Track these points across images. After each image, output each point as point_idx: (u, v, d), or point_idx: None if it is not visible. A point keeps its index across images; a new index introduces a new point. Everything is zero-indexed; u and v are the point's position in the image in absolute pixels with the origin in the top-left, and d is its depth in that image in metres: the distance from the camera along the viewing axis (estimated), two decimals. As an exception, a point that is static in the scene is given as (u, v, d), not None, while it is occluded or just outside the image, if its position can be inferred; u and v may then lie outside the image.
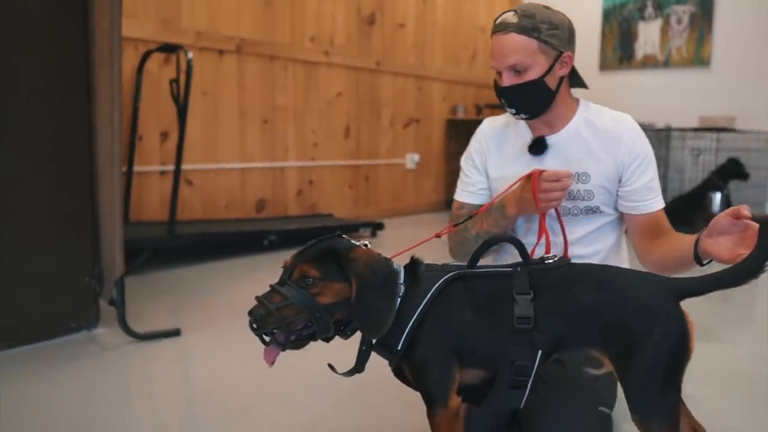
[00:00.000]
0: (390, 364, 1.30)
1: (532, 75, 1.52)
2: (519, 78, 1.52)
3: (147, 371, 2.08)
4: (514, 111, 1.58)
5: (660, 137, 5.54)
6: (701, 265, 1.28)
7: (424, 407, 1.75)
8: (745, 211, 1.16)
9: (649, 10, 5.93)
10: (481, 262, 1.37)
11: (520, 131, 1.69)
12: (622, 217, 1.67)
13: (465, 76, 6.39)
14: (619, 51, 6.08)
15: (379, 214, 5.46)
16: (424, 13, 5.84)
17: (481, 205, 1.73)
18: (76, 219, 2.29)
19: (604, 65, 6.29)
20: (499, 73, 1.55)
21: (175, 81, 3.39)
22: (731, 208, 1.19)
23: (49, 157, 2.21)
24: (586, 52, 6.43)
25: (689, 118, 5.47)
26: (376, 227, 4.72)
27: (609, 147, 1.58)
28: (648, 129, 5.47)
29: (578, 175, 1.58)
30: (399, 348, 1.21)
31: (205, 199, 4.20)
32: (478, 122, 6.67)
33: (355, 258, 1.19)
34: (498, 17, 1.56)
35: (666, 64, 5.88)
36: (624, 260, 1.70)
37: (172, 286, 3.14)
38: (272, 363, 1.19)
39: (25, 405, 1.79)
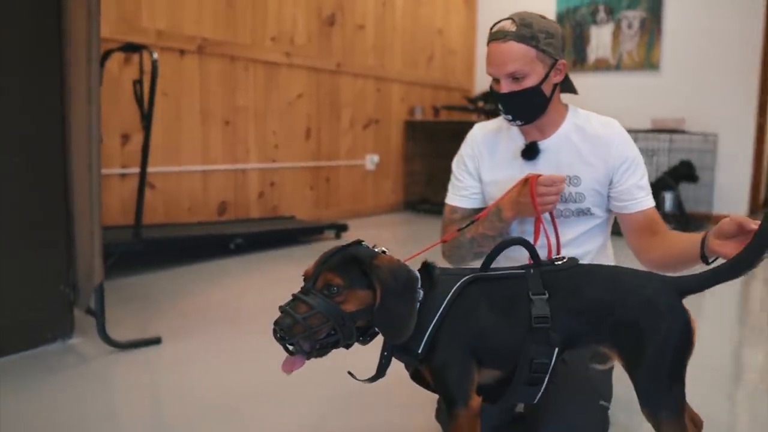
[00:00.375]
0: (407, 368, 1.32)
1: (530, 82, 1.56)
2: (517, 85, 1.57)
3: (131, 381, 2.02)
4: (510, 117, 1.62)
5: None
6: (707, 263, 1.33)
7: (414, 409, 1.78)
8: (753, 225, 1.20)
9: (601, 14, 6.12)
10: (474, 265, 1.41)
11: (512, 136, 1.73)
12: (609, 220, 1.73)
13: (422, 78, 6.45)
14: (573, 54, 6.24)
15: (340, 216, 5.45)
16: (383, 15, 5.87)
17: (474, 209, 1.78)
18: (49, 223, 2.20)
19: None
20: (497, 80, 1.59)
21: (138, 82, 3.30)
22: (738, 218, 1.24)
23: (21, 159, 2.12)
24: None
25: (641, 119, 5.68)
26: (340, 229, 4.71)
27: (599, 151, 1.64)
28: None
29: (570, 179, 1.63)
30: (420, 351, 1.23)
31: (167, 202, 4.11)
32: (436, 124, 6.82)
33: (379, 265, 1.20)
34: (494, 25, 1.60)
35: (618, 67, 6.09)
36: (610, 261, 1.76)
37: (143, 293, 3.06)
38: (291, 372, 1.19)
39: (3, 420, 1.71)
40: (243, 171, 4.63)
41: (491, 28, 1.60)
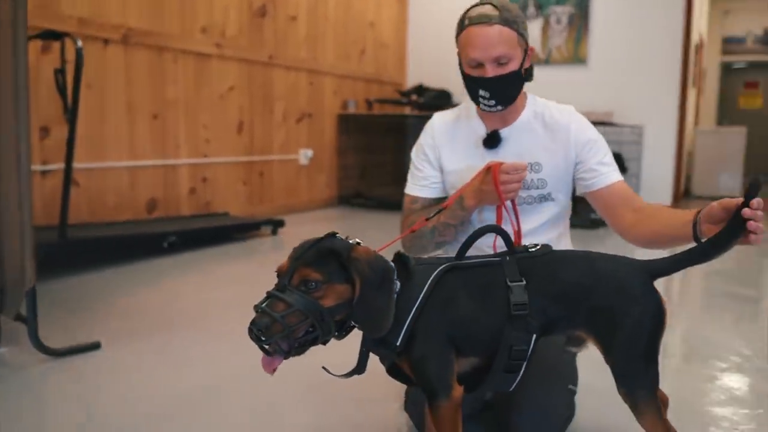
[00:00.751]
0: (383, 362, 1.29)
1: (512, 66, 1.56)
2: (502, 69, 1.55)
3: (70, 391, 1.88)
4: (493, 102, 1.60)
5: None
6: (699, 243, 1.29)
7: (375, 405, 1.76)
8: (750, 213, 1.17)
9: (531, 9, 6.27)
10: (438, 255, 1.39)
11: (472, 125, 1.73)
12: (568, 210, 1.76)
13: (355, 72, 6.40)
14: None
15: (274, 212, 5.34)
16: (315, 6, 5.78)
17: (434, 198, 1.77)
18: (-30, 225, 2.02)
19: None
20: (477, 65, 1.57)
21: (60, 71, 3.10)
22: (725, 203, 1.23)
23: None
24: None
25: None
26: (276, 225, 4.61)
27: (558, 137, 1.66)
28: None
29: (531, 165, 1.64)
30: (398, 344, 1.20)
31: (92, 200, 3.88)
32: (369, 117, 6.80)
33: (357, 257, 1.17)
34: (472, 10, 1.57)
35: (547, 61, 6.25)
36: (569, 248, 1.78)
37: (74, 296, 2.87)
38: (272, 372, 1.14)
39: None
40: (173, 166, 4.44)
41: (466, 14, 1.58)
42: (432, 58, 6.94)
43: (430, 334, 1.22)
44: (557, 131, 1.66)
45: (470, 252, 1.35)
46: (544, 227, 1.69)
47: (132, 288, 3.06)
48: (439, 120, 1.80)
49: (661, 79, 5.90)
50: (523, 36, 1.57)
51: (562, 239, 1.74)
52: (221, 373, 2.02)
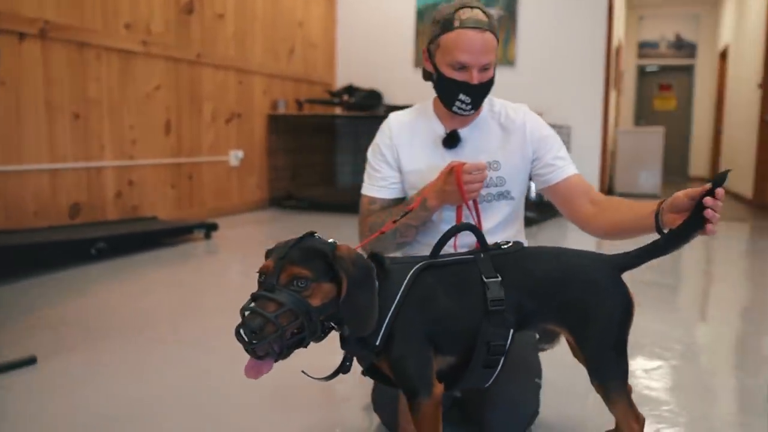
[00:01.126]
0: (361, 363, 1.26)
1: (491, 73, 1.60)
2: (485, 75, 1.57)
3: (9, 411, 1.73)
4: (471, 107, 1.61)
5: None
6: (662, 234, 1.31)
7: (342, 406, 1.74)
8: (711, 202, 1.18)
9: (459, 12, 6.33)
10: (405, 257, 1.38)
11: (431, 125, 1.74)
12: (522, 205, 1.79)
13: (284, 71, 6.30)
14: None
15: (204, 215, 5.17)
16: (243, 4, 5.64)
17: (392, 199, 1.77)
18: None
19: (419, 62, 6.62)
20: (463, 68, 1.55)
21: (-27, 67, 2.87)
22: (690, 192, 1.24)
23: None
24: (402, 49, 6.72)
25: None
26: (209, 228, 4.45)
27: (514, 135, 1.69)
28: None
29: (490, 164, 1.66)
30: (377, 344, 1.19)
31: (9, 205, 3.62)
32: (299, 118, 6.75)
33: (342, 256, 1.15)
34: (462, 11, 1.55)
35: (474, 63, 6.34)
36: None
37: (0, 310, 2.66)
38: (258, 377, 1.10)
39: None
40: (97, 169, 4.21)
41: (455, 15, 1.55)
42: (361, 58, 6.93)
43: (408, 333, 1.21)
44: (513, 130, 1.69)
45: (422, 251, 1.34)
46: (502, 224, 1.71)
47: (60, 298, 2.87)
48: (395, 120, 1.78)
49: (585, 81, 6.13)
50: (497, 43, 1.60)
51: (518, 236, 1.77)
52: (168, 383, 1.91)
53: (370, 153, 1.79)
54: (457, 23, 1.54)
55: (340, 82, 7.06)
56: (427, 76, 1.71)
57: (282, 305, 1.06)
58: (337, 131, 7.05)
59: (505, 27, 6.24)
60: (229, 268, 3.76)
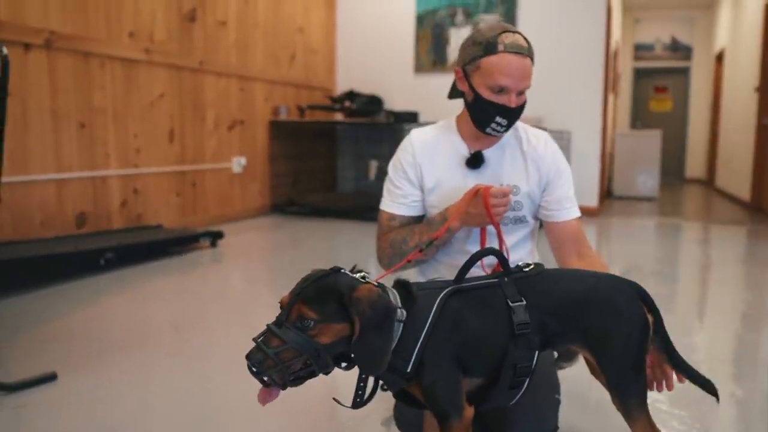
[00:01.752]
0: (390, 388, 1.28)
1: (525, 96, 1.62)
2: (521, 99, 1.61)
3: (31, 428, 1.73)
4: (504, 129, 1.63)
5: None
6: None
7: (360, 425, 1.75)
8: None
9: (459, 17, 6.38)
10: (406, 274, 1.42)
11: (454, 144, 1.73)
12: (536, 229, 1.81)
13: (285, 77, 6.31)
14: (433, 54, 6.45)
15: (207, 222, 5.17)
16: (245, 11, 5.64)
17: (412, 216, 1.75)
18: None
19: (419, 68, 6.64)
20: (501, 91, 1.58)
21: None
22: None
23: None
24: (402, 55, 6.73)
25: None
26: (215, 237, 4.45)
27: (534, 162, 1.71)
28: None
29: (515, 188, 1.68)
30: (408, 371, 1.21)
31: (15, 216, 3.62)
32: (301, 124, 6.71)
33: (359, 297, 1.16)
34: (505, 36, 1.56)
35: (475, 68, 6.36)
36: None
37: (9, 323, 2.65)
38: (265, 404, 1.15)
39: None
40: (102, 178, 4.21)
41: (498, 39, 1.55)
42: (361, 64, 6.94)
43: (439, 359, 1.23)
44: (534, 158, 1.71)
45: (446, 270, 1.33)
46: (517, 247, 1.74)
47: (69, 309, 2.87)
48: (418, 138, 1.78)
49: (585, 86, 6.16)
50: None
51: (530, 257, 1.79)
52: (176, 396, 1.92)
53: (392, 169, 1.80)
54: (501, 47, 1.55)
55: (341, 87, 7.07)
56: (456, 94, 1.73)
57: (284, 343, 1.10)
58: (338, 137, 7.06)
59: (505, 33, 6.22)
60: (233, 277, 3.76)
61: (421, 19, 6.51)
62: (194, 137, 5.09)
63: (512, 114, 1.61)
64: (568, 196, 1.72)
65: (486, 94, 1.59)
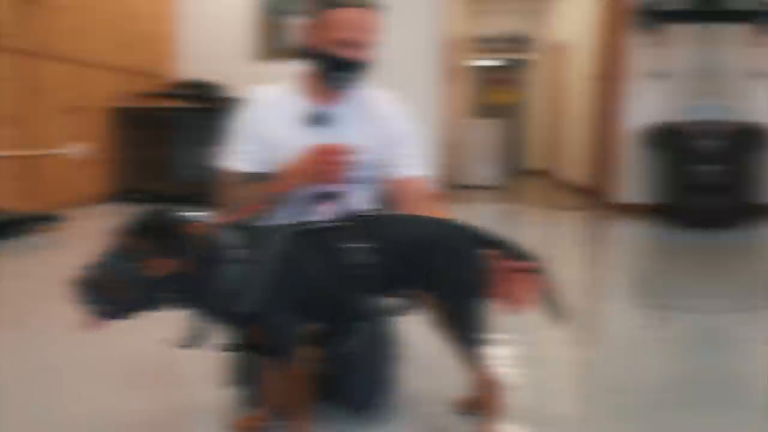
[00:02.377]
0: (229, 331, 1.29)
1: (373, 51, 1.61)
2: (366, 53, 1.59)
3: None
4: (347, 83, 1.62)
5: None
6: None
7: (193, 386, 1.82)
8: None
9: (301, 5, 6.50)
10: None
11: (298, 102, 1.67)
12: (384, 193, 1.75)
13: (126, 63, 6.27)
14: (274, 42, 6.56)
15: (48, 208, 5.10)
16: (84, -6, 5.58)
17: (254, 174, 1.66)
18: None
19: (261, 55, 6.70)
20: (342, 43, 1.55)
21: None
22: None
23: None
24: (242, 41, 6.73)
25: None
26: (53, 220, 4.39)
27: (380, 120, 1.68)
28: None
29: (357, 146, 1.56)
30: (248, 311, 1.19)
31: None
32: (143, 111, 6.81)
33: (190, 233, 1.16)
34: None
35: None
36: None
37: None
38: (95, 331, 1.14)
39: None
40: (-63, 162, 4.06)
41: None
42: (203, 50, 6.93)
43: (278, 301, 1.20)
44: (381, 116, 1.69)
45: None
46: (366, 206, 1.69)
47: None
48: (261, 95, 1.72)
49: (421, 75, 6.22)
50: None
51: None
52: (13, 370, 1.92)
53: (234, 126, 1.71)
54: (340, 3, 1.55)
55: (183, 75, 7.13)
56: (303, 53, 1.66)
57: (113, 272, 1.11)
58: (179, 125, 7.09)
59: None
60: (73, 260, 3.76)
61: (263, 7, 6.64)
62: (33, 122, 4.99)
63: (354, 67, 1.58)
64: (413, 154, 1.68)
65: (329, 48, 1.57)
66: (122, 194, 6.20)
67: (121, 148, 6.23)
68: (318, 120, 1.64)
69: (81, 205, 5.63)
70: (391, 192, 1.70)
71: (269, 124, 1.66)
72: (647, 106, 5.67)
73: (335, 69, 1.60)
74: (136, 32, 6.46)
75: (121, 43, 6.22)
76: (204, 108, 6.31)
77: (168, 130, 6.95)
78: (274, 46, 6.69)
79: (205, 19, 6.89)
